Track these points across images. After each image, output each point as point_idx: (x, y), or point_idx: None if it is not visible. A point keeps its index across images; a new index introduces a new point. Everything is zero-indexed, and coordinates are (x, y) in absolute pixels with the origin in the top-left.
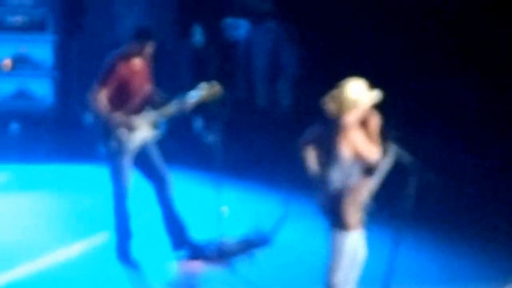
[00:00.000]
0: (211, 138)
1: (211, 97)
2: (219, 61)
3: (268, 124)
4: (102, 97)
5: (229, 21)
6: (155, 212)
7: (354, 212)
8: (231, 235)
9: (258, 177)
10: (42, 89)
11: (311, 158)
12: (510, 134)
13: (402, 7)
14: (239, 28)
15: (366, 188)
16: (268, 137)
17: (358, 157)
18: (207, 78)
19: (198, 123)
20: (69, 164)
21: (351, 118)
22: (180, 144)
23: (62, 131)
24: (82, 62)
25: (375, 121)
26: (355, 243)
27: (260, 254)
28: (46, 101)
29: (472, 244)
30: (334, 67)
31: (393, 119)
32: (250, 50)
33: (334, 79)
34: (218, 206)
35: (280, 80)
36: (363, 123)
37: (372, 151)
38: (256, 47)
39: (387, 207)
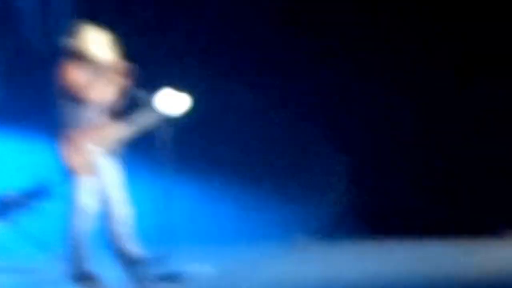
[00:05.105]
0: None
1: None
2: None
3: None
4: None
5: None
6: None
7: (74, 156)
8: (11, 187)
9: (34, 126)
10: None
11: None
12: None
13: None
14: None
15: (100, 133)
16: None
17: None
18: None
19: None
20: None
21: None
22: None
23: None
24: None
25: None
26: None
27: (41, 206)
28: None
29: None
30: None
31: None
32: None
33: None
34: None
35: (52, 19)
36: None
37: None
38: None
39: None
